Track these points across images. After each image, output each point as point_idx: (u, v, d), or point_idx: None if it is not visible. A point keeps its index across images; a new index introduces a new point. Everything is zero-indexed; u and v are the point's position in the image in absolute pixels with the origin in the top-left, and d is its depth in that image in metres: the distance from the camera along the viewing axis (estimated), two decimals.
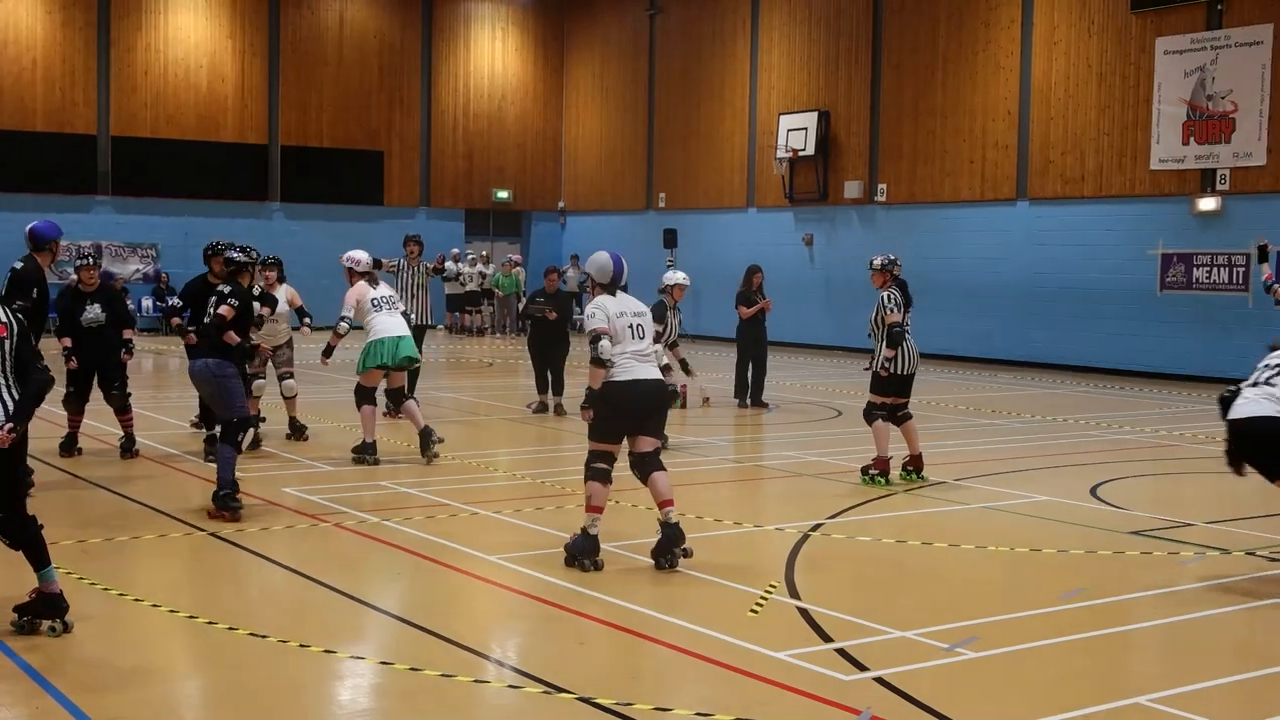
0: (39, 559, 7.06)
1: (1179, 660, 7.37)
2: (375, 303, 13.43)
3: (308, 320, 14.29)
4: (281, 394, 14.35)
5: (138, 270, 33.13)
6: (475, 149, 37.82)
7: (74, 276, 13.41)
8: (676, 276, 15.65)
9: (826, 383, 22.60)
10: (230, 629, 7.43)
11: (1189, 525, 10.91)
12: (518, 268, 35.31)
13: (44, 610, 7.08)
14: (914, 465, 12.59)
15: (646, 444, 9.14)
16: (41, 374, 7.09)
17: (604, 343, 8.84)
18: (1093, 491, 12.43)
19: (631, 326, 9.08)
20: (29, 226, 12.01)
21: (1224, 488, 12.68)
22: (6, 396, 6.90)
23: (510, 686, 6.59)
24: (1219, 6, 23.50)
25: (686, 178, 34.82)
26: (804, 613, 7.94)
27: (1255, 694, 6.69)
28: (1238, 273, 23.17)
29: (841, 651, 7.12)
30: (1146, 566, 9.48)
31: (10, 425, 6.78)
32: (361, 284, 13.53)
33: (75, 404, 12.91)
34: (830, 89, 30.65)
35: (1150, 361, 24.31)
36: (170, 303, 13.61)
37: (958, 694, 6.49)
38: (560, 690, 6.45)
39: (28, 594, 7.11)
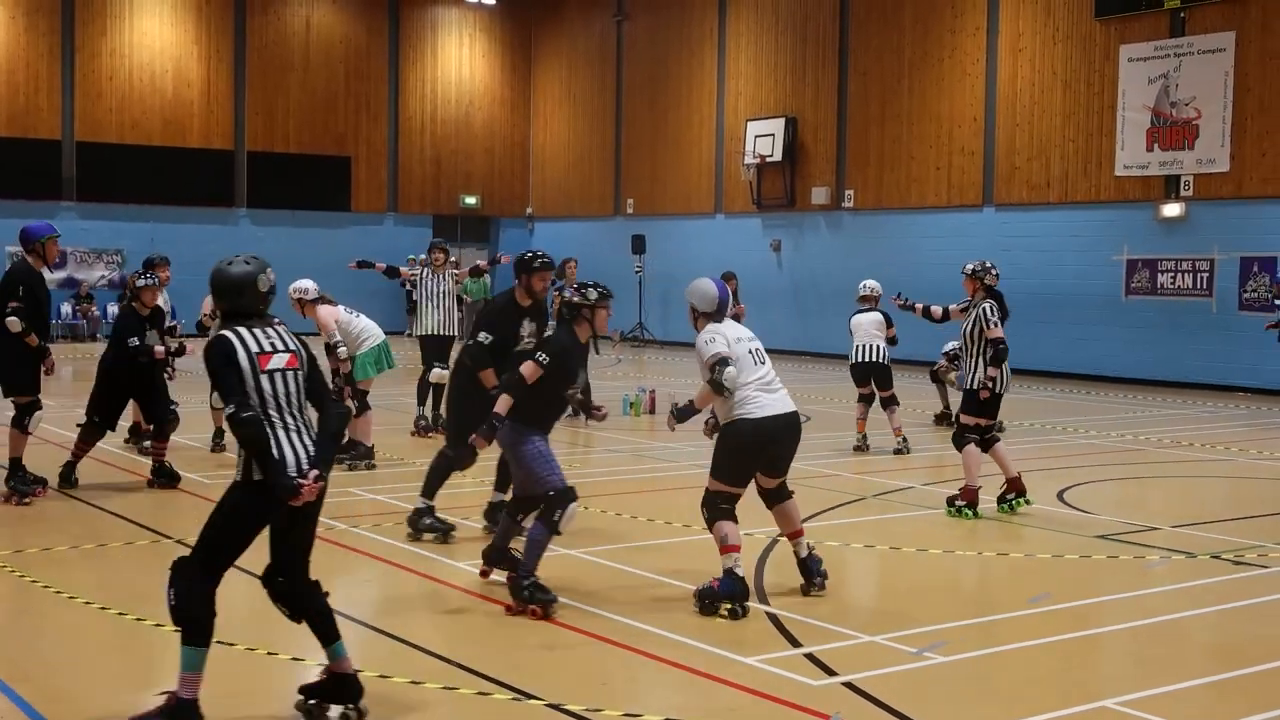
0: (326, 633, 6.19)
1: (1146, 663, 7.40)
2: (348, 313, 13.58)
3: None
4: None
5: (103, 276, 32.93)
6: (443, 155, 37.77)
7: (115, 285, 13.60)
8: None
9: (795, 388, 22.49)
10: None
11: (1154, 529, 10.97)
12: (487, 273, 35.22)
13: (336, 693, 6.11)
14: (1014, 490, 11.50)
15: (774, 481, 8.48)
16: (339, 408, 6.34)
17: (730, 369, 8.04)
18: (1059, 496, 12.50)
19: (751, 352, 8.32)
20: (21, 227, 11.75)
21: (1189, 492, 12.81)
22: (299, 441, 5.93)
23: (479, 694, 6.58)
24: (1182, 14, 23.68)
25: (654, 184, 34.84)
26: (773, 618, 7.95)
27: (1222, 696, 6.75)
28: (1201, 278, 23.34)
29: (810, 656, 7.14)
30: (1112, 570, 9.54)
31: (315, 474, 5.86)
32: (325, 307, 13.47)
33: (98, 434, 11.93)
34: (797, 95, 30.73)
35: (1115, 366, 24.46)
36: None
37: (926, 698, 6.51)
38: (529, 697, 6.44)
39: (318, 674, 6.31)
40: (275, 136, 35.29)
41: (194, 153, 34.18)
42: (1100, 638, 7.88)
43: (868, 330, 15.83)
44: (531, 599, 7.78)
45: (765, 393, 8.19)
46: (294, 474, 5.78)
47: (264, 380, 5.83)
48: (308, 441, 5.93)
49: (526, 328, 9.87)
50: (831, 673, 6.87)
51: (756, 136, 30.98)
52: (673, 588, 8.63)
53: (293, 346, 6.00)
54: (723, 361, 8.05)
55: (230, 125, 34.78)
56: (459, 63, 38.08)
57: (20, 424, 11.16)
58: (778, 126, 30.56)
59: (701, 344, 8.26)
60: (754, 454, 8.22)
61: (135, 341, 11.45)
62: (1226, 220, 23.17)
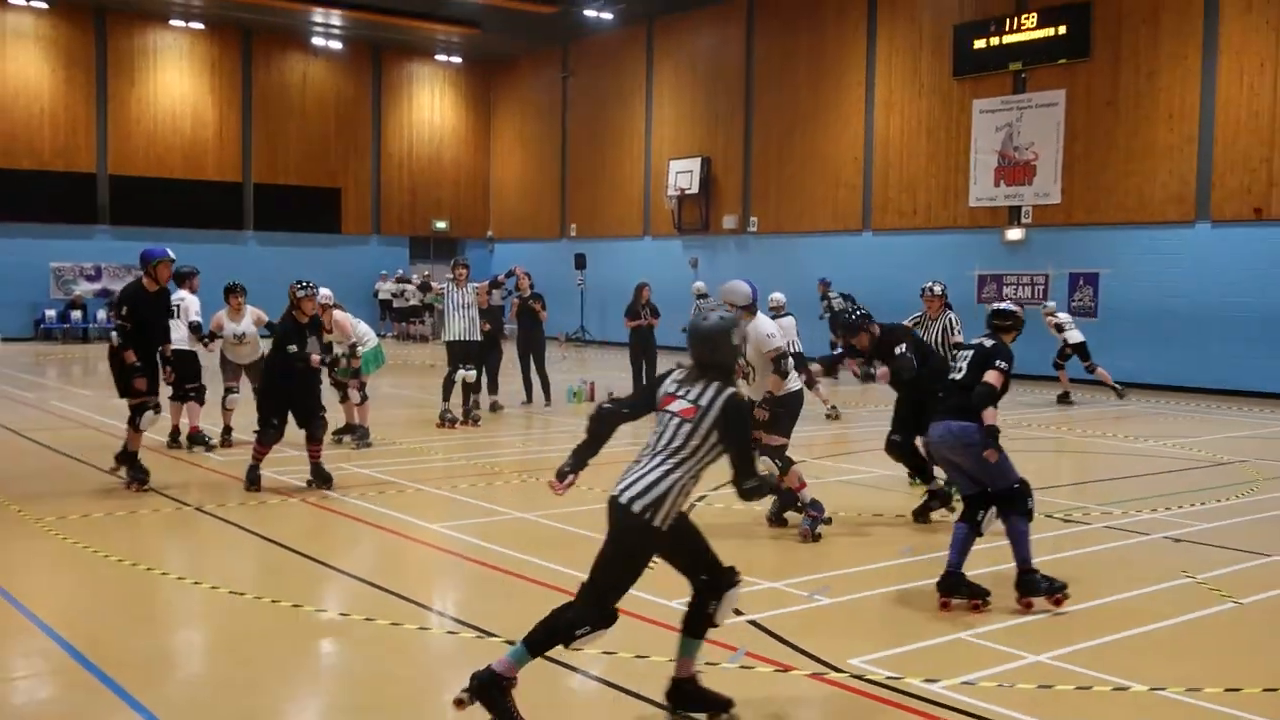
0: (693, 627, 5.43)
1: (994, 603, 7.48)
2: (353, 319, 13.56)
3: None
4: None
5: None
6: (418, 186, 37.59)
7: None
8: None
9: None
10: (213, 588, 7.35)
11: None
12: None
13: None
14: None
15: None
16: (750, 485, 5.17)
17: (790, 360, 8.87)
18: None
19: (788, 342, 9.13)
20: (141, 250, 11.04)
21: (1027, 463, 12.93)
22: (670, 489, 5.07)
23: (448, 633, 6.59)
24: (1023, 75, 23.95)
25: (593, 211, 34.83)
26: None
27: (1062, 628, 6.84)
28: (1039, 290, 23.62)
29: None
30: None
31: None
32: (339, 312, 13.25)
33: (274, 438, 10.56)
34: (711, 139, 30.81)
35: None
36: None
37: (814, 633, 6.58)
38: (489, 634, 6.46)
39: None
40: (277, 170, 34.96)
41: (209, 184, 33.81)
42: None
43: (789, 330, 16.48)
44: (1051, 589, 7.14)
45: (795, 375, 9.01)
46: None
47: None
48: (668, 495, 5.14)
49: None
50: (739, 613, 6.91)
51: (678, 173, 31.05)
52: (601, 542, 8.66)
53: (691, 403, 5.12)
54: (784, 356, 8.74)
55: (239, 161, 34.43)
56: (431, 110, 37.92)
57: (133, 422, 10.51)
58: (695, 165, 30.64)
59: (764, 338, 8.78)
60: (795, 415, 9.10)
61: (294, 348, 10.31)
62: (1058, 243, 23.47)
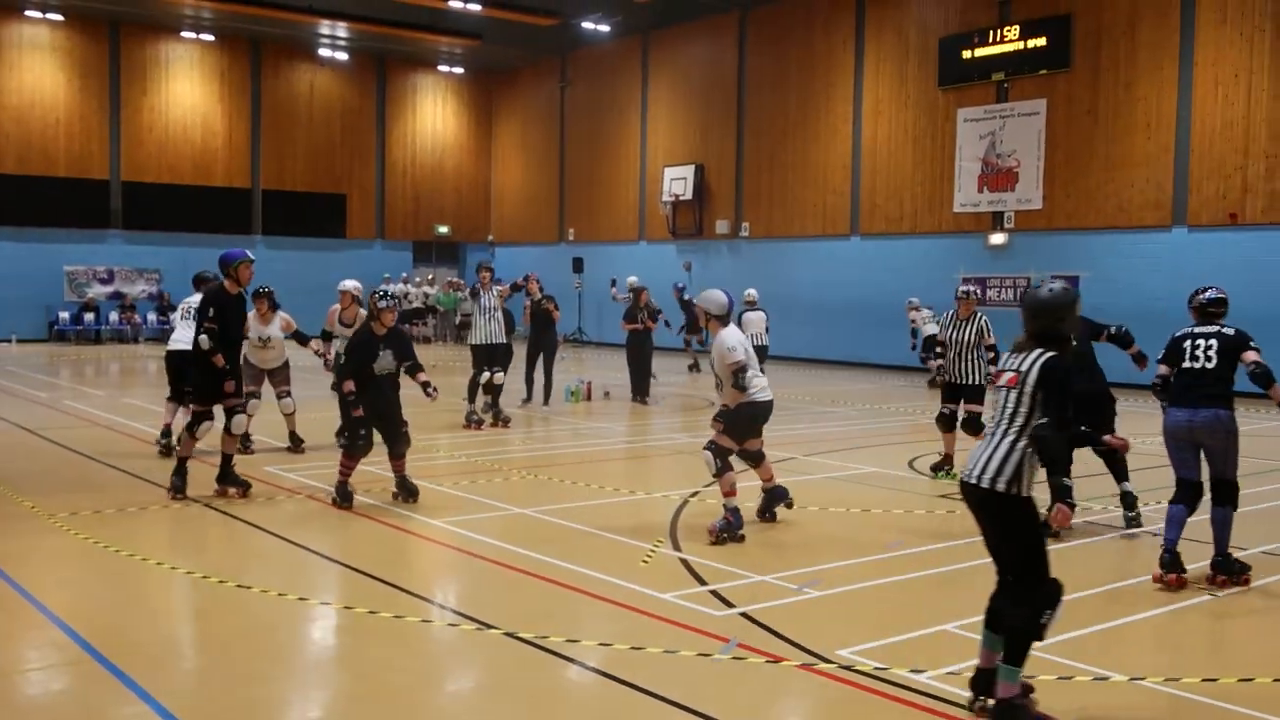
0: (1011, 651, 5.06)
1: (977, 595, 7.47)
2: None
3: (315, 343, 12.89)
4: (281, 411, 12.79)
5: (144, 290, 32.60)
6: (421, 192, 37.58)
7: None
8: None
9: (704, 381, 22.70)
10: (221, 582, 7.32)
11: None
12: (456, 290, 35.19)
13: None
14: (950, 462, 11.58)
15: (758, 444, 9.20)
16: (1046, 429, 5.06)
17: (749, 373, 8.68)
18: (910, 464, 12.60)
19: (749, 351, 8.83)
20: (221, 253, 10.41)
21: None
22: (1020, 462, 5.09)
23: (449, 625, 6.56)
24: (1005, 85, 23.97)
25: (590, 216, 34.82)
26: (684, 562, 7.97)
27: None
28: (1019, 292, 23.64)
29: (714, 593, 7.17)
30: (950, 522, 9.62)
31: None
32: (361, 308, 13.00)
33: (363, 451, 9.78)
34: (704, 147, 30.82)
35: None
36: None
37: (804, 624, 6.55)
38: (490, 627, 6.43)
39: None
40: (284, 177, 34.93)
41: (218, 190, 33.80)
42: (942, 575, 7.94)
43: (758, 324, 17.75)
44: (1240, 569, 7.45)
45: (760, 382, 8.82)
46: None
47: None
48: (1021, 468, 5.15)
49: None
50: (730, 605, 6.91)
51: (672, 179, 31.07)
52: (605, 539, 8.65)
53: (1016, 367, 5.18)
54: (743, 369, 8.61)
55: (248, 168, 34.41)
56: (434, 119, 37.89)
57: (191, 430, 9.99)
58: (689, 172, 30.65)
59: (725, 350, 8.72)
60: (753, 424, 8.95)
61: (342, 358, 9.65)
62: (1040, 247, 23.48)
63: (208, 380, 9.98)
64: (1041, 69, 23.29)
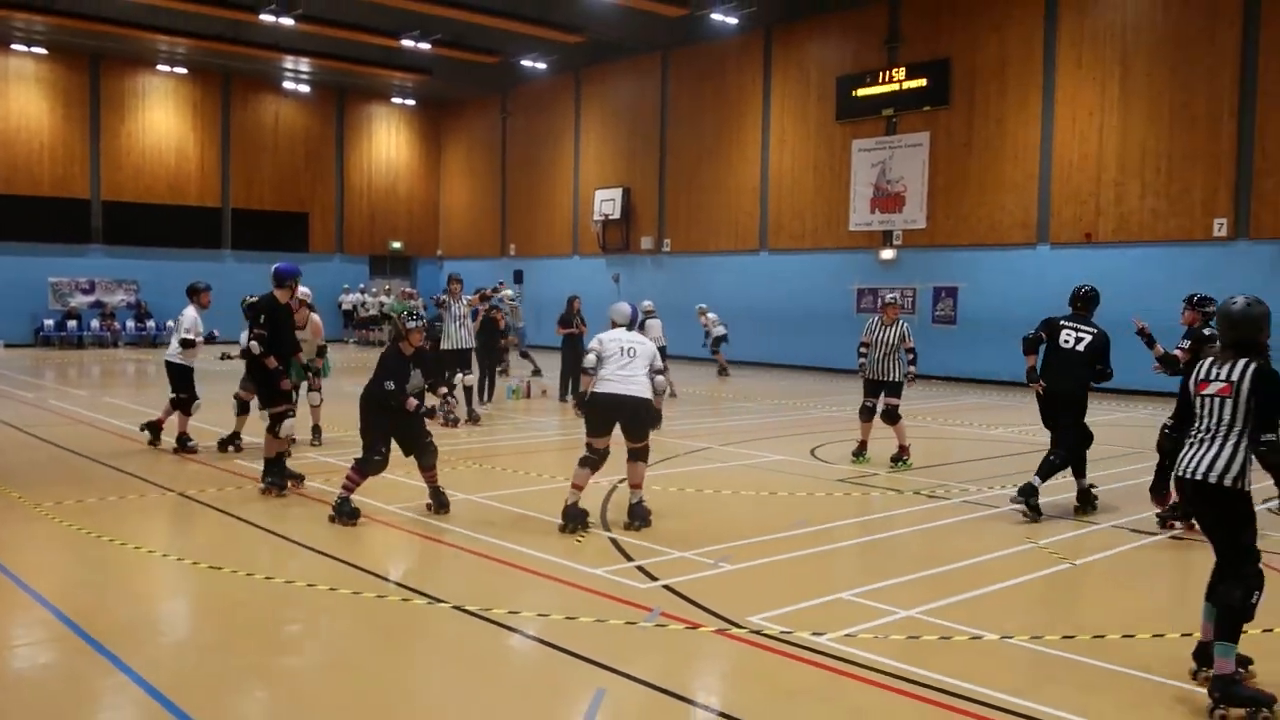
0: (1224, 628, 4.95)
1: (871, 567, 7.59)
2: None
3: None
4: (308, 403, 12.24)
5: (123, 299, 31.95)
6: (376, 211, 37.17)
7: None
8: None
9: None
10: (194, 563, 7.20)
11: (875, 474, 11.23)
12: (409, 297, 34.91)
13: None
14: (905, 452, 11.61)
15: (629, 443, 8.30)
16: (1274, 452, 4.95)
17: (590, 357, 8.28)
18: (812, 452, 12.70)
19: (622, 349, 8.23)
20: (275, 266, 10.06)
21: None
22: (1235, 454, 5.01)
23: (403, 600, 6.51)
24: (894, 120, 24.29)
25: (529, 233, 34.68)
26: (613, 541, 7.98)
27: (927, 588, 6.93)
28: (908, 301, 23.95)
29: (640, 568, 7.19)
30: (847, 503, 9.73)
31: None
32: (315, 315, 12.40)
33: (377, 468, 8.67)
34: (631, 172, 30.84)
35: (849, 361, 24.82)
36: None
37: (719, 595, 6.59)
38: (439, 600, 6.40)
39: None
40: (252, 197, 34.35)
41: (191, 209, 33.15)
42: (839, 550, 8.04)
43: (656, 329, 17.65)
44: None
45: (614, 378, 8.12)
46: None
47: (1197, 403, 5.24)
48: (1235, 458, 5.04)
49: None
50: (654, 578, 6.93)
51: (602, 200, 31.04)
52: (540, 520, 8.62)
53: (1229, 379, 5.09)
54: (587, 368, 8.32)
55: (218, 188, 33.78)
56: (388, 145, 37.51)
57: (273, 430, 9.59)
58: (617, 194, 30.64)
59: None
60: (598, 416, 8.22)
61: (390, 385, 8.43)
62: (924, 262, 23.83)
63: (269, 382, 9.73)
64: (924, 106, 23.63)
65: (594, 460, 8.30)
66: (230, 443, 11.83)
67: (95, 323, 31.25)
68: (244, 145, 34.20)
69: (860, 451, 11.84)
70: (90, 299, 31.43)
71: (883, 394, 11.65)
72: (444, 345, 14.88)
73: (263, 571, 7.00)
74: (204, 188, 33.49)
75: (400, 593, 6.67)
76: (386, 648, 5.78)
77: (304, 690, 5.19)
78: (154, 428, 12.24)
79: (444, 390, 9.59)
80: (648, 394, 8.24)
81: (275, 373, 9.73)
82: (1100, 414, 17.43)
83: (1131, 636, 5.96)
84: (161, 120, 32.75)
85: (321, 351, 12.47)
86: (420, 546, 7.93)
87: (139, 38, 29.18)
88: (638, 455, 8.32)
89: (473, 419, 14.87)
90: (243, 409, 11.95)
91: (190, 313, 11.94)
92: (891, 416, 11.49)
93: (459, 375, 14.78)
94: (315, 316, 12.40)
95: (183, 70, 32.77)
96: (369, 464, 8.61)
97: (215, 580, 6.86)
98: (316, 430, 12.55)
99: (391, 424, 8.66)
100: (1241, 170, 19.34)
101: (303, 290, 12.41)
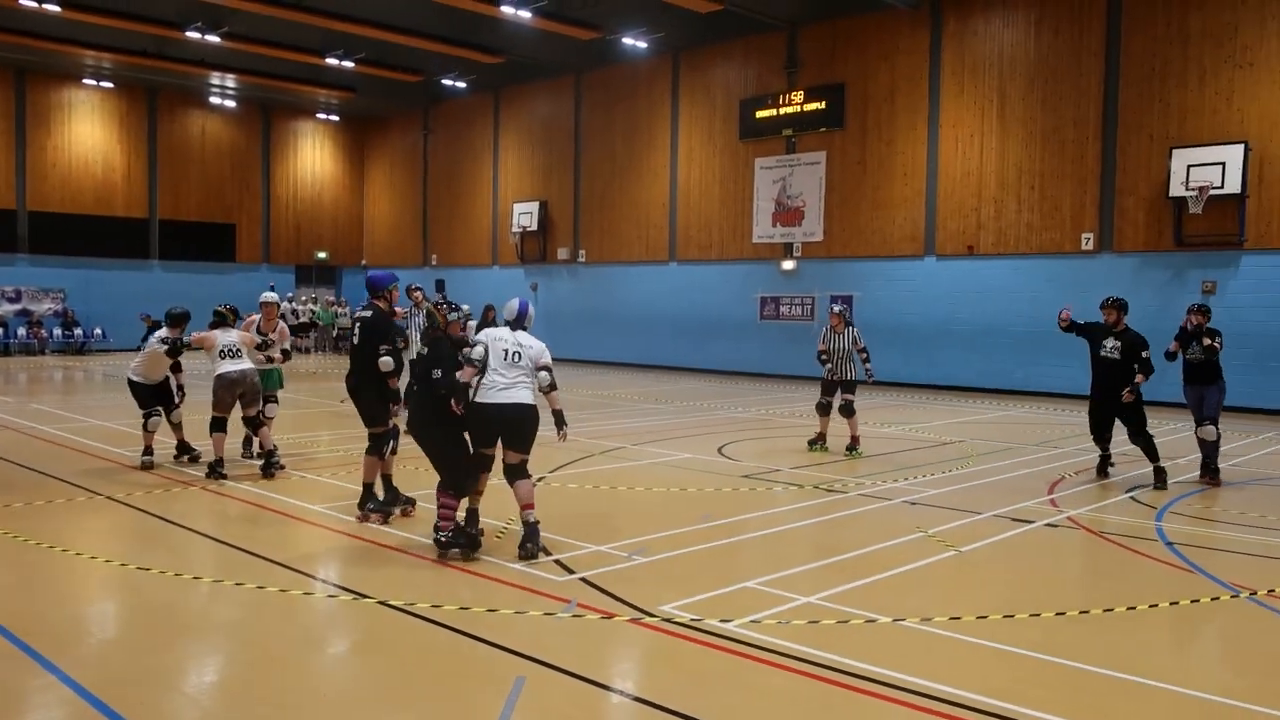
0: None
1: (774, 556, 7.65)
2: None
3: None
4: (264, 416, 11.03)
5: (49, 307, 30.76)
6: (302, 222, 36.40)
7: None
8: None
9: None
10: (122, 565, 6.97)
11: (778, 470, 11.33)
12: (334, 305, 34.39)
13: None
14: (856, 443, 12.50)
15: (510, 457, 7.29)
16: None
17: (477, 350, 7.22)
18: (719, 450, 12.75)
19: (506, 352, 7.24)
20: (367, 276, 8.87)
21: (799, 445, 13.26)
22: None
23: (328, 596, 6.39)
24: (793, 140, 24.59)
25: (450, 243, 34.32)
26: None
27: (826, 575, 7.01)
28: (806, 309, 24.28)
29: (558, 561, 7.15)
30: (752, 498, 9.78)
31: None
32: (283, 322, 11.77)
33: (473, 486, 7.53)
34: (547, 186, 30.73)
35: (753, 365, 25.23)
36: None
37: (632, 585, 6.60)
38: (364, 596, 6.29)
39: None
40: (179, 208, 33.35)
41: (118, 220, 32.04)
42: (745, 542, 8.08)
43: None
44: None
45: (494, 385, 7.15)
46: None
47: None
48: None
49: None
50: (571, 571, 6.91)
51: (520, 213, 30.86)
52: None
53: None
54: (471, 348, 7.29)
55: (146, 199, 32.74)
56: (313, 159, 36.78)
57: (376, 451, 8.53)
58: (534, 207, 30.49)
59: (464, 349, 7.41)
60: (480, 429, 7.26)
61: (438, 372, 7.30)
62: (822, 272, 24.17)
63: (382, 402, 8.56)
64: (821, 127, 23.98)
65: (484, 464, 7.44)
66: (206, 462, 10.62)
67: (22, 331, 30.10)
68: (171, 158, 33.24)
69: (818, 441, 12.65)
70: (16, 307, 30.24)
71: (839, 391, 12.50)
72: (407, 355, 14.31)
73: (191, 571, 6.81)
74: (131, 199, 32.45)
75: (326, 589, 6.54)
76: (313, 643, 5.66)
77: (231, 687, 5.06)
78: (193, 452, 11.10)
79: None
80: (530, 400, 7.26)
81: (395, 393, 8.55)
82: (986, 411, 17.84)
83: (1011, 616, 6.12)
84: (88, 133, 31.66)
85: (286, 355, 11.61)
86: (346, 545, 7.79)
87: (65, 52, 28.18)
88: (520, 471, 7.25)
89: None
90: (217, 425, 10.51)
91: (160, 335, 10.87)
92: (848, 410, 12.37)
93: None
94: (283, 324, 11.90)
95: (109, 84, 31.73)
96: (463, 485, 7.35)
97: (143, 581, 6.65)
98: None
99: (447, 433, 7.35)
100: (1105, 189, 20.02)
101: (272, 296, 12.06)
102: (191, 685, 5.05)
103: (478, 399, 7.17)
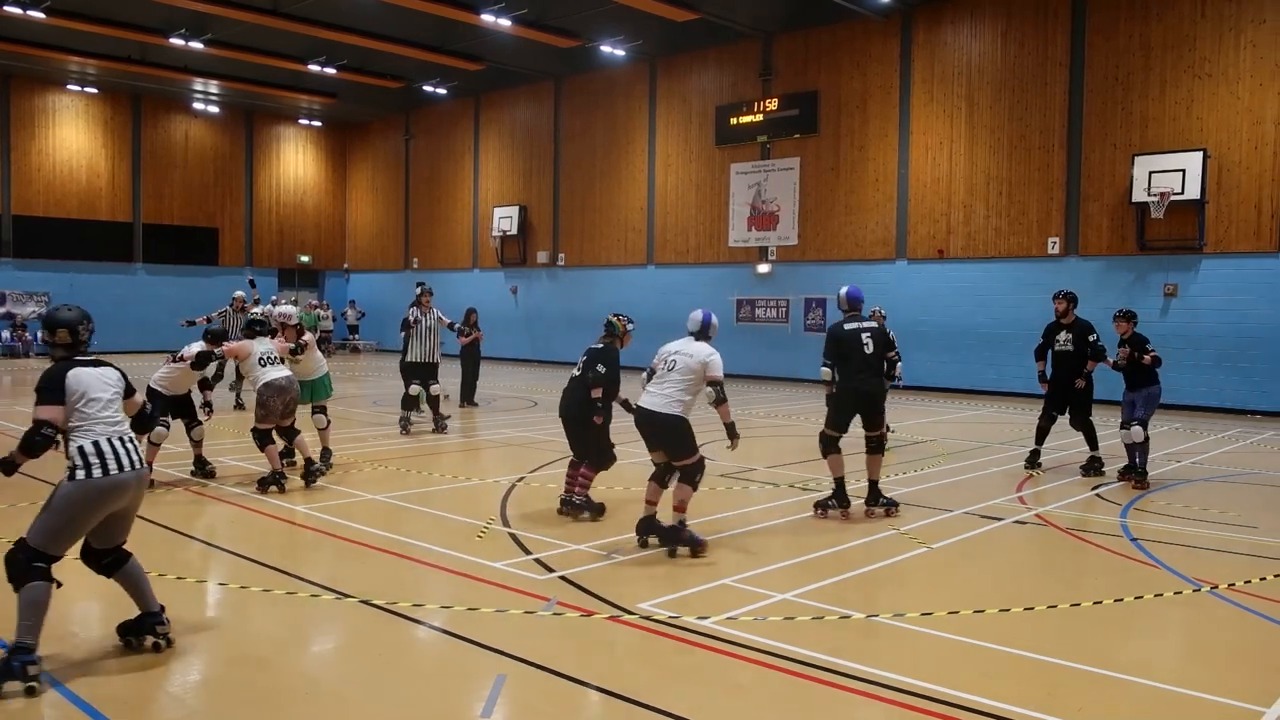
0: None
1: (751, 553, 7.65)
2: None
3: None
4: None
5: (34, 310, 30.35)
6: (285, 226, 36.14)
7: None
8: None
9: (527, 384, 22.59)
10: None
11: (754, 469, 11.36)
12: (316, 309, 34.15)
13: None
14: None
15: (656, 457, 7.70)
16: None
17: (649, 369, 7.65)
18: None
19: (665, 361, 7.62)
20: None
21: (775, 445, 13.28)
22: None
23: (312, 596, 6.34)
24: (768, 146, 24.66)
25: (431, 247, 34.19)
26: (513, 536, 7.91)
27: (801, 572, 7.02)
28: (782, 311, 24.35)
29: (539, 560, 7.14)
30: (729, 496, 9.81)
31: None
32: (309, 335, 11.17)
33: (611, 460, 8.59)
34: (527, 190, 30.67)
35: (731, 367, 25.11)
36: None
37: (611, 584, 6.58)
38: (347, 595, 6.25)
39: None
40: (163, 212, 33.06)
41: (103, 224, 31.70)
42: (720, 539, 8.04)
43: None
44: None
45: (648, 391, 7.60)
46: None
47: None
48: None
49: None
50: (551, 570, 6.89)
51: (500, 217, 30.78)
52: (445, 519, 8.50)
53: None
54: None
55: (130, 204, 32.42)
56: (296, 164, 36.54)
57: (690, 480, 7.62)
58: (514, 211, 30.43)
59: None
60: (641, 431, 7.64)
61: (602, 369, 7.98)
62: (796, 275, 24.24)
63: (604, 436, 8.67)
64: (795, 133, 24.06)
65: (657, 473, 7.69)
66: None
67: (6, 334, 29.77)
68: (155, 162, 32.94)
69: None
70: (1, 311, 29.92)
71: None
72: (410, 358, 14.16)
73: (175, 572, 6.74)
74: (115, 203, 32.14)
75: (309, 589, 6.49)
76: (295, 642, 5.62)
77: (214, 686, 5.00)
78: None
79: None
80: (659, 408, 7.38)
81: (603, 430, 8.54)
82: (956, 411, 17.93)
83: (982, 612, 6.14)
84: (72, 138, 31.33)
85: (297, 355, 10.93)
86: (329, 545, 7.73)
87: (50, 58, 27.89)
88: (681, 475, 7.43)
89: (441, 428, 14.14)
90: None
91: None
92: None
93: (415, 387, 14.22)
94: (307, 336, 11.15)
95: (94, 90, 31.42)
96: (607, 462, 8.67)
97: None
98: (326, 453, 11.07)
99: (593, 431, 8.44)
100: (1070, 195, 20.17)
101: (289, 310, 11.28)
102: (175, 684, 4.99)
103: (638, 403, 7.69)
